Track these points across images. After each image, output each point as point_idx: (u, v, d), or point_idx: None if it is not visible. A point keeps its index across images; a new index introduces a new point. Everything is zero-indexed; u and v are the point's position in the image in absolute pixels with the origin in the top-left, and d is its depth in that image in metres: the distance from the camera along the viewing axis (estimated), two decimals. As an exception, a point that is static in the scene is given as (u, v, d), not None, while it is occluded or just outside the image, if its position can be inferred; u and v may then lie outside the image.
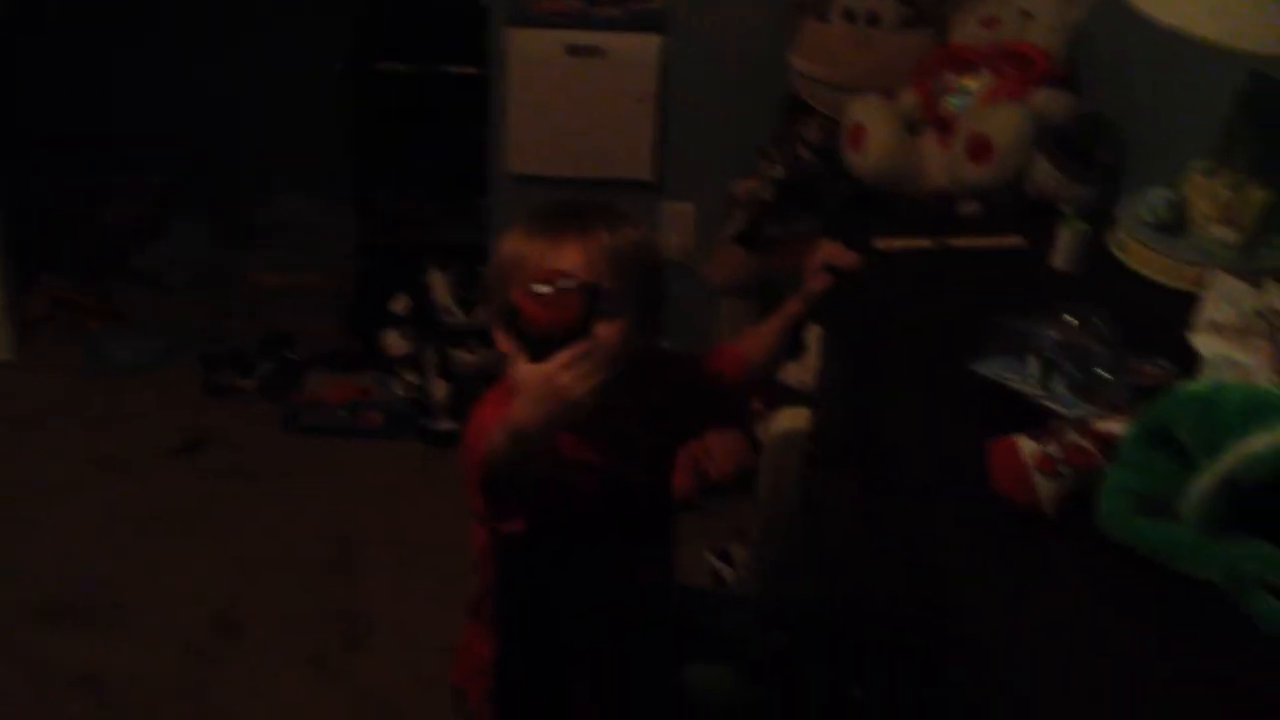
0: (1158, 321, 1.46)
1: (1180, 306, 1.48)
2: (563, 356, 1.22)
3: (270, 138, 3.64)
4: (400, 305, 3.03)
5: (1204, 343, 1.34)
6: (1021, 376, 1.30)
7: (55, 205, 3.54)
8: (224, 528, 2.71)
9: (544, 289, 1.24)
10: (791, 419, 2.14)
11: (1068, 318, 1.35)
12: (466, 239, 3.15)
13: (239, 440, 2.97)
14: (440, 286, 2.92)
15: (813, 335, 2.33)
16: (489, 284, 1.50)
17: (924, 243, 1.63)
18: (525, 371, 1.24)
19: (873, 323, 1.54)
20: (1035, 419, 1.26)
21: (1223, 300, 1.41)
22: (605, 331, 1.37)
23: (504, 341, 1.44)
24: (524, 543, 1.43)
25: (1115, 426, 1.20)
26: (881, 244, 1.62)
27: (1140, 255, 1.59)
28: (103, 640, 2.41)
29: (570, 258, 1.38)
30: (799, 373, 2.32)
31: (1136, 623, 1.09)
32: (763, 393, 2.46)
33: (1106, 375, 1.30)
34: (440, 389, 2.96)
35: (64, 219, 3.55)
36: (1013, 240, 1.65)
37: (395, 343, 3.04)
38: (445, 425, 2.96)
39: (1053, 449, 1.18)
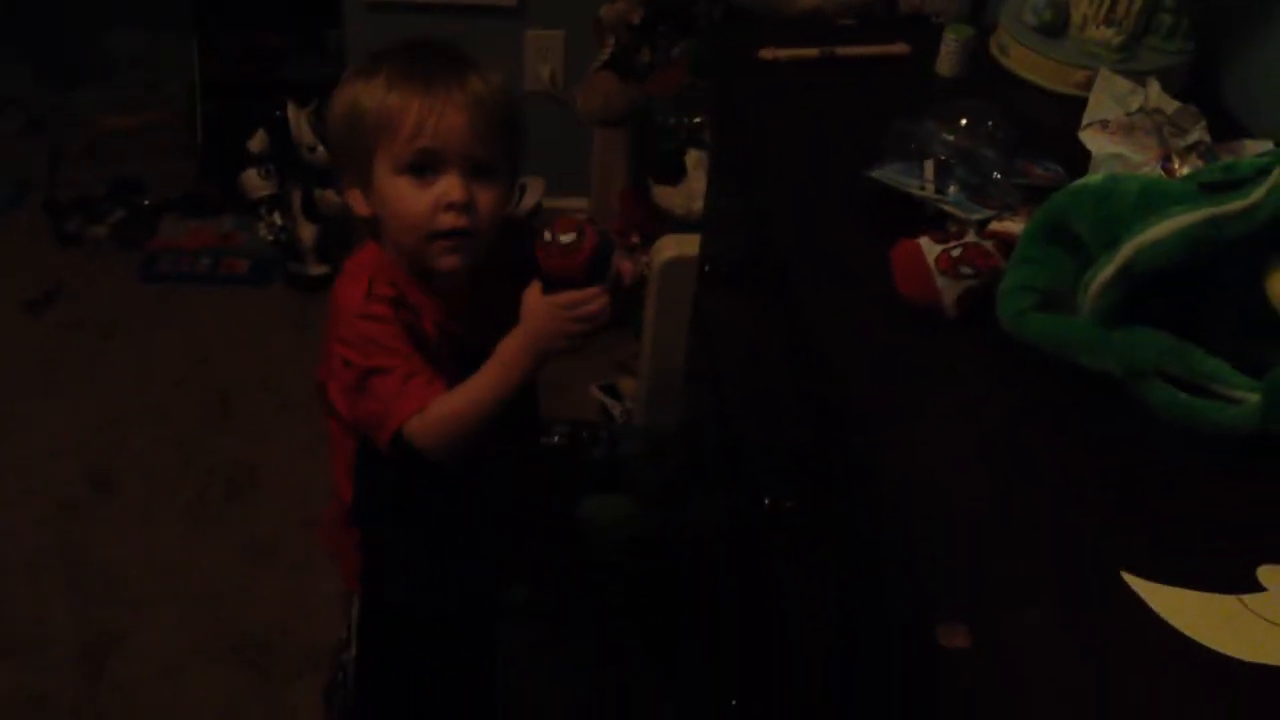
0: (1044, 124, 1.46)
1: (1064, 109, 1.48)
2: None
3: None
4: (257, 143, 2.86)
5: (1092, 141, 1.34)
6: (919, 181, 1.29)
7: None
8: (88, 382, 2.61)
9: (566, 238, 1.29)
10: (676, 246, 2.12)
11: (960, 121, 1.34)
12: (320, 73, 3.01)
13: (95, 291, 2.84)
14: (301, 123, 2.77)
15: (693, 159, 2.30)
16: (339, 136, 1.35)
17: (810, 52, 1.59)
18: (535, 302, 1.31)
19: (762, 135, 1.51)
20: (932, 223, 1.26)
21: (1109, 99, 1.42)
22: (484, 199, 1.31)
23: (361, 204, 1.35)
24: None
25: (1014, 226, 1.20)
26: (767, 54, 1.58)
27: (1024, 59, 1.58)
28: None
29: (452, 121, 1.28)
30: (681, 199, 2.29)
31: (1039, 416, 1.11)
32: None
33: (999, 177, 1.30)
34: (307, 231, 2.84)
35: None
36: (899, 48, 1.62)
37: (255, 183, 2.88)
38: (316, 269, 2.86)
39: (954, 250, 1.18)
